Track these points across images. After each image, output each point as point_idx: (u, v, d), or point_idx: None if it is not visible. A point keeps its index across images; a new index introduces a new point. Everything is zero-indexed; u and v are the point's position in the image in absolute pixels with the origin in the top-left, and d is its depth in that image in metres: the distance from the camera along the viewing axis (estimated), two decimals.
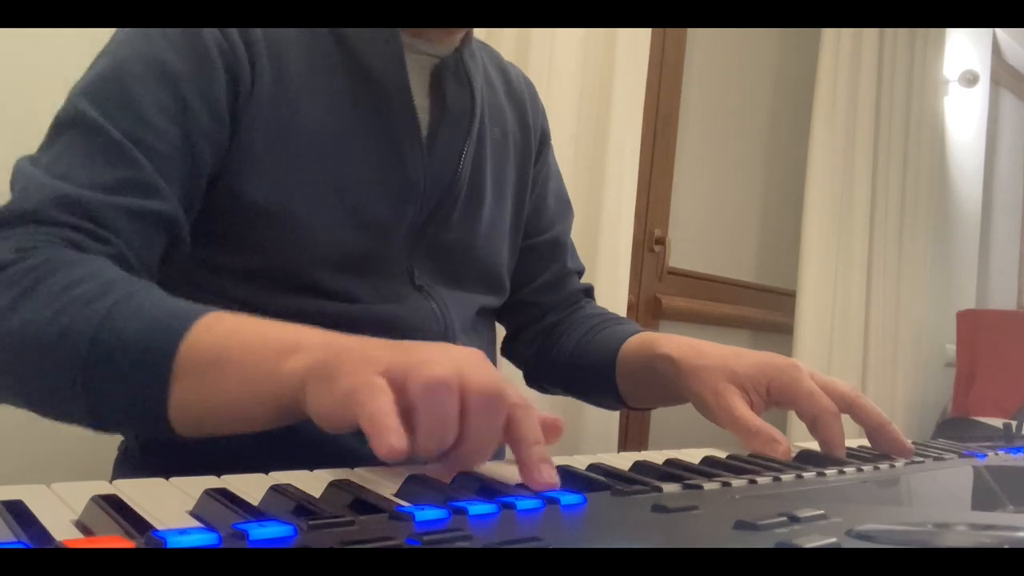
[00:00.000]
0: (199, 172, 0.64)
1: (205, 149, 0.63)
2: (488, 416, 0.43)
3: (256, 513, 0.32)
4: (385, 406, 0.41)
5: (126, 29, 0.64)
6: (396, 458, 0.39)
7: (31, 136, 0.63)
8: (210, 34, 0.64)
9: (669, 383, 0.75)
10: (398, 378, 0.42)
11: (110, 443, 0.75)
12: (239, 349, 0.48)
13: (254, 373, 0.48)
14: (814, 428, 0.65)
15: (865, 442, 0.69)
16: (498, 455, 0.51)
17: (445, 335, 0.73)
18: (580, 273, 0.96)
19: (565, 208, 0.95)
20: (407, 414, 0.42)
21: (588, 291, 0.95)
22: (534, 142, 0.89)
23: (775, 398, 0.69)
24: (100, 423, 0.52)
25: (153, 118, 0.61)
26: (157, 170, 0.60)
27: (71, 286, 0.52)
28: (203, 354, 0.48)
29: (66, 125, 0.60)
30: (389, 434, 0.39)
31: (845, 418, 0.66)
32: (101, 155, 0.59)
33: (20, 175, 0.59)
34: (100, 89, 0.61)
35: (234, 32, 0.65)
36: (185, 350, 0.48)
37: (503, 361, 0.97)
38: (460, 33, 0.75)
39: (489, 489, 0.39)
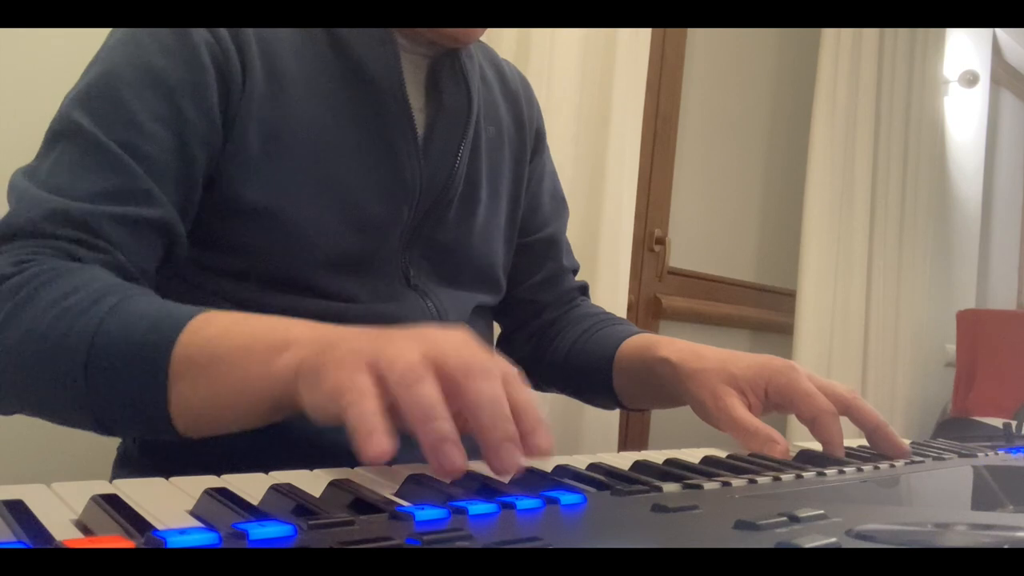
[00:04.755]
0: (194, 176, 0.63)
1: (199, 153, 0.63)
2: (477, 380, 0.42)
3: (256, 513, 0.32)
4: (370, 406, 0.41)
5: (117, 34, 0.64)
6: (384, 459, 0.39)
7: (30, 138, 0.63)
8: (200, 36, 0.63)
9: (667, 386, 0.75)
10: (381, 373, 0.42)
11: (110, 443, 0.75)
12: (231, 349, 0.48)
13: (247, 372, 0.48)
14: (813, 428, 0.65)
15: (865, 442, 0.69)
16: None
17: None
18: (575, 271, 0.96)
19: (560, 206, 0.95)
20: (394, 408, 0.42)
21: (583, 289, 0.96)
22: (529, 140, 0.89)
23: (773, 399, 0.69)
24: (107, 428, 0.52)
25: (146, 124, 0.61)
26: (151, 176, 0.60)
27: (67, 295, 0.52)
28: (196, 356, 0.48)
29: (60, 135, 0.61)
30: (376, 436, 0.39)
31: (845, 420, 0.66)
32: (94, 165, 0.59)
33: (15, 190, 0.59)
34: (92, 97, 0.61)
35: (225, 33, 0.64)
36: (179, 353, 0.48)
37: None
38: (459, 34, 0.75)
39: (489, 489, 0.39)
